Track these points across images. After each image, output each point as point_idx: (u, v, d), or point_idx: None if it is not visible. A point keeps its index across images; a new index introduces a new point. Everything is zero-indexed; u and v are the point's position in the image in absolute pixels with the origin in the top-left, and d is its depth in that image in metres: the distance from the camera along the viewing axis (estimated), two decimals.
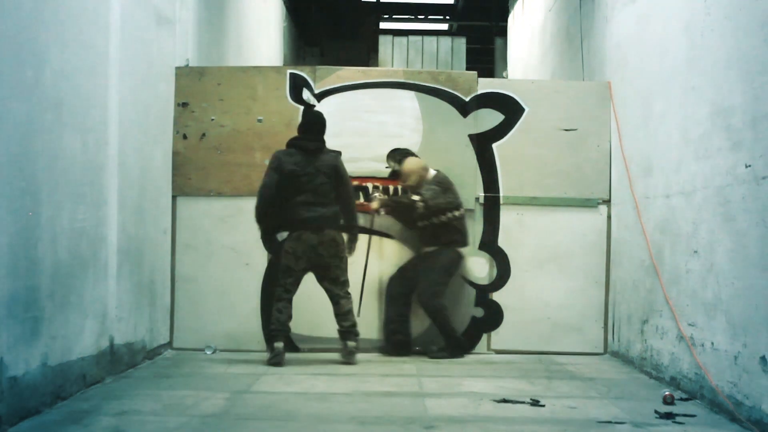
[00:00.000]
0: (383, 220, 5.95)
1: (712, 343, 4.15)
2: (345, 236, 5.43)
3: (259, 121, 5.97)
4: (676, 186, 4.69)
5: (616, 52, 5.92)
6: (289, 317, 5.33)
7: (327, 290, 5.41)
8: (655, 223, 5.04)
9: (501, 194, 6.03)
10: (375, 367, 5.27)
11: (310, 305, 5.84)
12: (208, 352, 5.74)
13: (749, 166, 3.80)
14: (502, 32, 14.43)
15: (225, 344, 5.86)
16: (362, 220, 5.82)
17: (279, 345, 5.25)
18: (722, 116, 4.10)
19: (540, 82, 6.69)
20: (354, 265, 5.70)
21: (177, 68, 5.87)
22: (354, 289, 5.62)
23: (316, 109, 5.75)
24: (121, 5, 4.71)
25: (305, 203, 5.27)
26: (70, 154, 4.08)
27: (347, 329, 5.35)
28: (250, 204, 5.96)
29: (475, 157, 6.03)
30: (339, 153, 5.48)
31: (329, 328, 5.65)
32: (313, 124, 5.44)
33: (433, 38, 16.19)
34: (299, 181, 5.26)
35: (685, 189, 4.56)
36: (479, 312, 5.96)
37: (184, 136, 5.92)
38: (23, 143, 3.62)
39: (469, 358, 5.77)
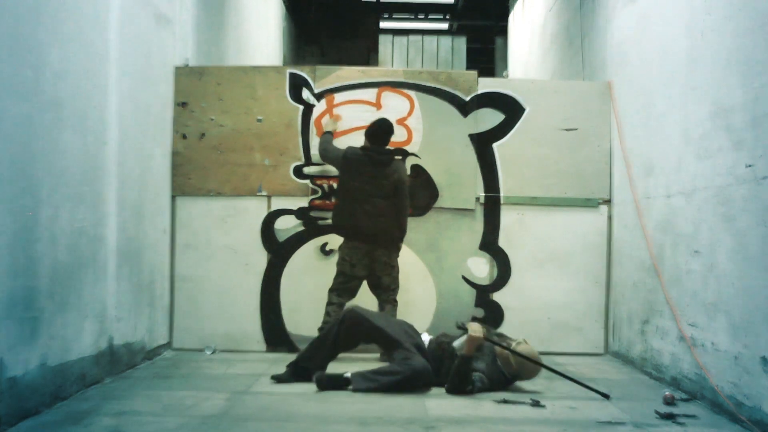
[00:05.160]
0: None
1: (713, 344, 4.15)
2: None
3: (259, 121, 5.96)
4: (677, 186, 4.69)
5: (617, 52, 5.92)
6: None
7: (376, 296, 5.55)
8: (655, 223, 5.03)
9: (501, 194, 6.02)
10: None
11: (310, 306, 5.84)
12: (207, 353, 5.73)
13: (750, 165, 3.79)
14: (503, 32, 14.44)
15: (225, 344, 5.85)
16: None
17: None
18: (722, 116, 4.09)
19: (540, 82, 6.69)
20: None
21: (177, 68, 5.87)
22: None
23: (384, 117, 5.69)
24: (121, 5, 4.70)
25: (364, 212, 5.38)
26: (69, 154, 4.08)
27: None
28: (249, 204, 5.98)
29: (475, 157, 6.02)
30: (403, 162, 5.57)
31: None
32: (380, 134, 5.51)
33: (433, 38, 16.20)
34: (361, 189, 5.38)
35: (686, 189, 4.55)
36: (480, 312, 5.95)
37: (184, 136, 5.91)
38: (23, 143, 3.61)
39: None
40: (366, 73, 6.13)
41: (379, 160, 5.47)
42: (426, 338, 4.83)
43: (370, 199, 5.41)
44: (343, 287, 5.49)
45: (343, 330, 4.67)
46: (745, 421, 3.73)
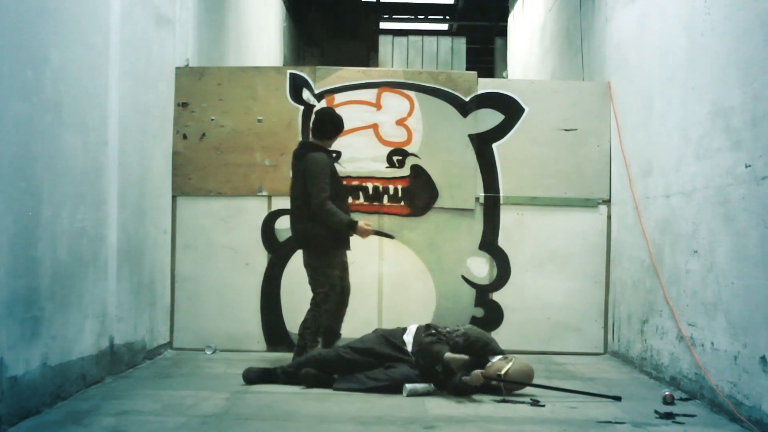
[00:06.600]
0: (388, 222, 5.97)
1: (712, 343, 4.16)
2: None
3: (259, 121, 5.97)
4: (676, 186, 4.69)
5: (616, 52, 5.92)
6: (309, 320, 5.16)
7: None
8: (655, 223, 5.04)
9: (501, 194, 6.03)
10: None
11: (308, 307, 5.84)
12: (208, 352, 5.74)
13: (749, 166, 3.80)
14: (502, 32, 14.45)
15: (225, 344, 5.86)
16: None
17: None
18: (722, 116, 4.10)
19: (540, 82, 6.69)
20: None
21: (177, 68, 5.87)
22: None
23: (322, 107, 5.46)
24: (121, 5, 4.71)
25: (291, 216, 5.17)
26: (70, 154, 4.08)
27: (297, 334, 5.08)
28: (250, 204, 5.98)
29: (475, 157, 6.03)
30: (324, 151, 4.99)
31: None
32: (317, 125, 5.10)
33: (433, 38, 16.20)
34: (291, 191, 5.17)
35: (685, 189, 4.56)
36: (479, 312, 5.96)
37: (184, 136, 5.92)
38: (23, 143, 3.62)
39: None
40: (366, 73, 6.14)
41: (297, 154, 5.06)
42: (413, 329, 4.74)
43: (293, 199, 5.08)
44: None
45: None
46: (744, 420, 3.74)
